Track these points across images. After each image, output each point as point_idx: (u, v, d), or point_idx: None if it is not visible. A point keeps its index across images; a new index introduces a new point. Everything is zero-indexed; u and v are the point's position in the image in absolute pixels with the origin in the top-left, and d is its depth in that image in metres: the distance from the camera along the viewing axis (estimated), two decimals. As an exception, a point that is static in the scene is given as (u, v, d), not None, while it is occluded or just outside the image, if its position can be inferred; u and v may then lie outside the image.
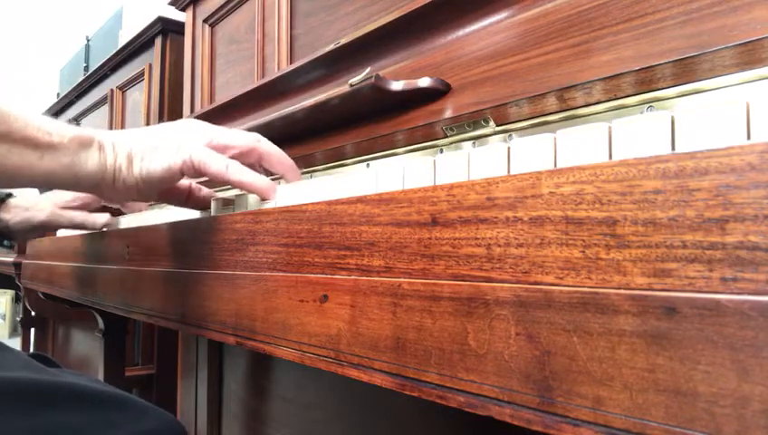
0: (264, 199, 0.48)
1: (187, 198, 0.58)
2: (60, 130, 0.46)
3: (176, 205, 0.59)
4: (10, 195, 0.77)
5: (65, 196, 0.78)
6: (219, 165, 0.47)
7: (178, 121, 0.51)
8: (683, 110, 0.22)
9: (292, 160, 0.53)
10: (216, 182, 0.59)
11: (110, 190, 0.49)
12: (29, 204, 0.77)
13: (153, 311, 0.55)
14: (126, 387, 1.34)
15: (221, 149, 0.48)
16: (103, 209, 0.81)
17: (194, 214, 0.61)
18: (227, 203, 0.55)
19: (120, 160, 0.48)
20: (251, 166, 0.50)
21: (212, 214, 0.55)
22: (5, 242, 0.78)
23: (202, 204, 0.59)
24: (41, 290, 1.14)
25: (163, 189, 0.52)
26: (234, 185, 0.48)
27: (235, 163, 0.48)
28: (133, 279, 0.61)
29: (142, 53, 1.66)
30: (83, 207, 0.79)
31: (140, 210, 0.79)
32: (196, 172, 0.48)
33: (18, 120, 0.43)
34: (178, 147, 0.48)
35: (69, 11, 4.24)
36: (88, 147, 0.47)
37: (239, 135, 0.50)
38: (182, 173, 0.48)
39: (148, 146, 0.48)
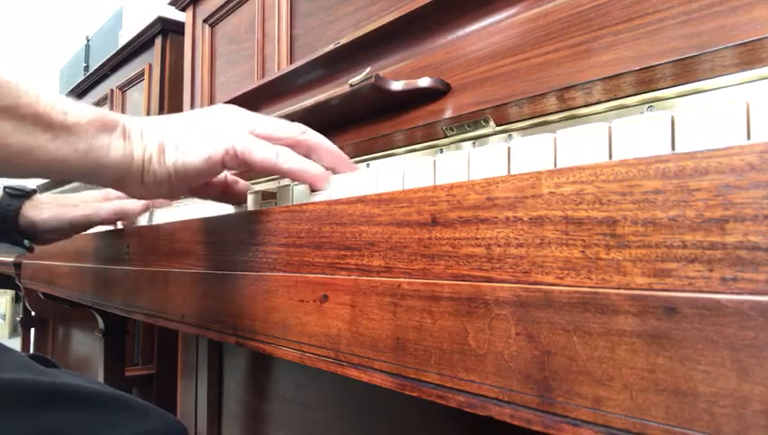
0: (314, 190, 0.43)
1: (222, 192, 0.52)
2: (78, 109, 0.40)
3: (209, 199, 0.53)
4: (35, 190, 0.69)
5: (100, 193, 0.71)
6: (268, 152, 0.42)
7: (214, 107, 0.46)
8: (683, 110, 0.22)
9: (341, 151, 0.47)
10: (258, 173, 0.56)
11: (136, 185, 0.43)
12: (63, 200, 0.69)
13: (153, 311, 0.55)
14: (126, 387, 1.34)
15: (264, 140, 0.43)
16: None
17: (201, 212, 0.61)
18: (268, 196, 0.51)
19: (151, 150, 0.42)
20: None
21: (248, 208, 0.51)
22: (26, 242, 0.68)
23: (238, 198, 0.54)
24: (41, 290, 1.14)
25: (198, 184, 0.46)
26: (285, 174, 0.43)
27: (285, 150, 0.42)
28: (133, 279, 0.61)
29: (142, 53, 1.66)
30: (121, 197, 0.70)
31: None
32: (239, 163, 0.42)
33: (28, 93, 0.37)
34: (219, 135, 0.42)
35: (69, 11, 4.24)
36: (110, 132, 0.41)
37: (284, 125, 0.45)
38: (223, 165, 0.43)
39: (183, 134, 0.43)
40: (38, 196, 0.69)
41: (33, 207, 0.67)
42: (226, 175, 0.53)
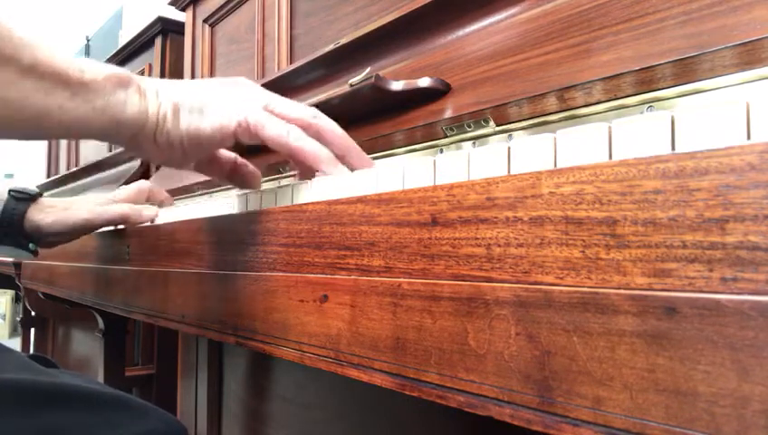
0: (322, 173, 0.43)
1: (230, 172, 0.52)
2: (93, 66, 0.40)
3: (215, 177, 0.53)
4: (40, 194, 0.69)
5: (105, 196, 0.71)
6: (279, 129, 0.42)
7: (232, 78, 0.46)
8: (683, 110, 0.22)
9: (353, 141, 0.46)
10: (268, 153, 0.54)
11: (149, 144, 0.43)
12: (67, 203, 0.69)
13: (153, 311, 0.55)
14: (126, 387, 1.34)
15: (277, 117, 0.43)
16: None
17: (201, 212, 0.61)
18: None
19: (165, 109, 0.42)
20: None
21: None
22: (31, 246, 0.68)
23: (246, 181, 0.53)
24: (41, 290, 1.14)
25: (208, 154, 0.46)
26: (293, 153, 0.43)
27: (297, 129, 0.43)
28: (133, 279, 0.61)
29: (142, 53, 1.66)
30: (127, 201, 0.71)
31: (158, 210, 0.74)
32: (251, 136, 0.42)
33: (45, 51, 0.37)
34: (234, 106, 0.42)
35: (69, 11, 4.25)
36: (126, 87, 0.41)
37: (297, 106, 0.45)
38: (235, 136, 0.43)
39: (198, 100, 0.43)
40: (43, 199, 0.69)
41: (38, 211, 0.67)
42: (236, 156, 0.53)
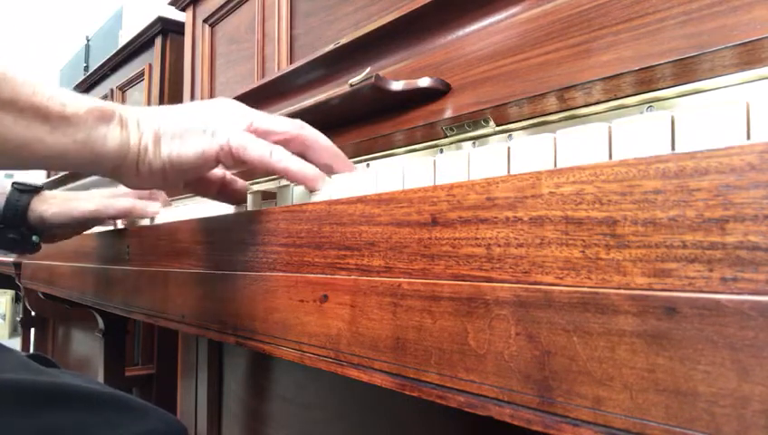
0: (311, 191, 0.43)
1: (219, 191, 0.52)
2: (75, 101, 0.40)
3: (206, 196, 0.53)
4: (42, 187, 0.70)
5: (109, 191, 0.71)
6: (262, 150, 0.41)
7: (213, 100, 0.46)
8: (683, 110, 0.22)
9: (338, 149, 0.46)
10: (255, 172, 0.55)
11: (131, 174, 0.43)
12: (71, 195, 0.70)
13: (153, 311, 0.55)
14: (126, 387, 1.34)
15: (262, 135, 0.43)
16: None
17: (201, 212, 0.61)
18: (268, 196, 0.50)
19: (146, 140, 0.42)
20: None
21: (248, 208, 0.51)
22: (34, 238, 0.68)
23: (235, 197, 0.54)
24: (41, 290, 1.14)
25: (193, 178, 0.46)
26: (278, 173, 0.43)
27: (280, 149, 0.42)
28: (133, 279, 0.61)
29: (142, 53, 1.66)
30: (129, 196, 0.71)
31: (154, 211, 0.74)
32: (234, 160, 0.42)
33: (25, 85, 0.38)
34: (215, 130, 0.42)
35: (69, 11, 4.24)
36: (108, 121, 0.41)
37: (282, 121, 0.45)
38: (217, 161, 0.43)
39: (179, 127, 0.43)
40: (46, 192, 0.70)
41: (41, 202, 0.68)
42: (225, 173, 0.53)
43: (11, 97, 0.37)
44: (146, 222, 0.73)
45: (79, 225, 0.69)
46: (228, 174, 0.54)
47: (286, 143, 0.43)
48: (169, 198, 0.76)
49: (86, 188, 1.79)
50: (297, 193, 0.46)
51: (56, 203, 0.68)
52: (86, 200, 0.68)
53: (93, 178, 1.82)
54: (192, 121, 0.43)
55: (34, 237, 0.69)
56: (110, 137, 0.41)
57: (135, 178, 0.44)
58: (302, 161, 0.43)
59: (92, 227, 0.72)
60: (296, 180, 0.43)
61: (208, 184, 0.52)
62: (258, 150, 0.42)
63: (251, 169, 0.46)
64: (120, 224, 0.76)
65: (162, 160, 0.43)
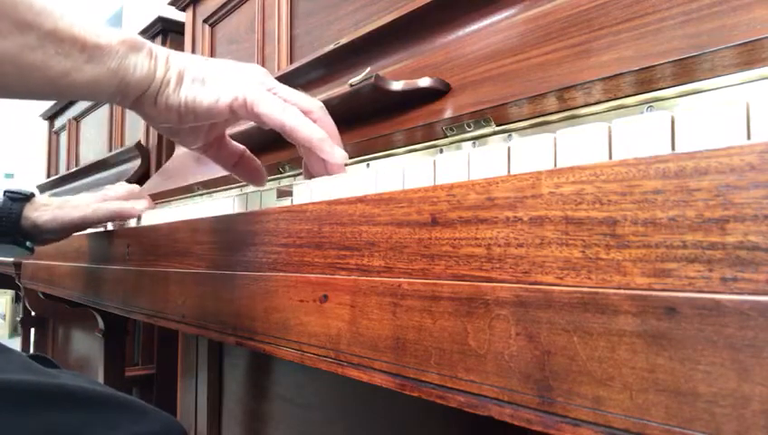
0: (318, 155, 0.43)
1: (236, 163, 0.54)
2: (109, 32, 0.43)
3: (224, 167, 0.54)
4: (33, 194, 0.73)
5: (97, 195, 0.74)
6: (275, 106, 0.43)
7: (244, 63, 0.48)
8: (683, 110, 0.22)
9: (343, 151, 0.47)
10: (269, 138, 0.55)
11: (150, 106, 0.45)
12: (61, 202, 0.72)
13: (153, 311, 0.55)
14: (126, 387, 1.34)
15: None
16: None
17: (201, 212, 0.61)
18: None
19: (171, 75, 0.45)
20: None
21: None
22: (28, 244, 0.71)
23: (251, 175, 0.55)
24: (41, 290, 1.14)
25: (207, 121, 0.47)
26: (289, 133, 0.43)
27: (294, 108, 0.44)
28: (133, 279, 0.61)
29: (142, 53, 1.65)
30: (118, 199, 0.74)
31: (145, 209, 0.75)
32: (247, 112, 0.44)
33: (64, 17, 0.40)
34: (235, 81, 0.44)
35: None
36: (138, 50, 0.44)
37: (301, 95, 0.46)
38: (231, 110, 0.44)
39: (202, 71, 0.45)
40: (37, 198, 0.72)
41: (33, 210, 0.71)
42: (245, 149, 0.54)
43: (53, 28, 0.39)
44: (133, 221, 0.73)
45: (70, 230, 0.72)
46: (248, 151, 0.55)
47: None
48: (183, 175, 0.77)
49: (86, 188, 1.79)
50: (297, 193, 0.46)
51: (49, 210, 0.71)
52: (76, 207, 0.71)
53: (93, 177, 1.82)
54: (217, 70, 0.45)
55: (28, 243, 0.71)
56: (139, 66, 0.44)
57: (152, 109, 0.46)
58: (314, 125, 0.44)
59: (83, 230, 0.74)
60: (306, 142, 0.44)
61: (229, 151, 0.53)
62: (271, 106, 0.43)
63: (261, 125, 0.46)
64: (110, 226, 0.78)
65: (179, 98, 0.45)
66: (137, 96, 0.45)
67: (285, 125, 0.43)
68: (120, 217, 0.71)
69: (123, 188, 0.76)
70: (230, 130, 0.58)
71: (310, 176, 0.49)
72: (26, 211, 0.69)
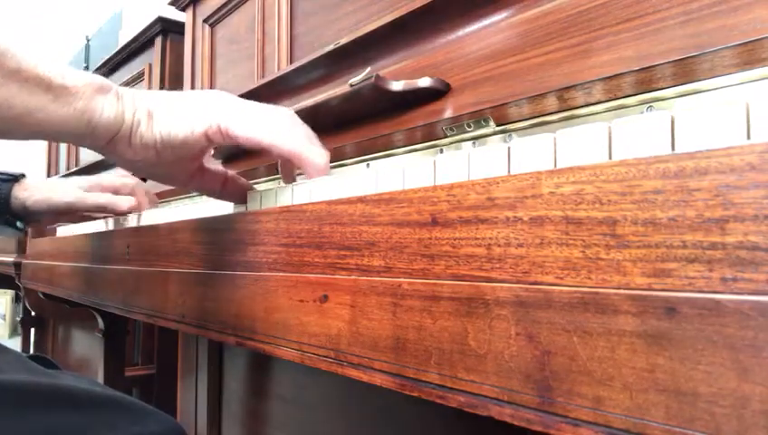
0: (298, 167, 0.43)
1: (222, 187, 0.54)
2: (74, 74, 0.43)
3: (209, 194, 0.54)
4: (23, 175, 0.74)
5: (90, 180, 0.76)
6: (248, 127, 0.44)
7: (207, 90, 0.48)
8: (683, 110, 0.22)
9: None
10: (248, 157, 0.56)
11: (125, 147, 0.45)
12: (51, 185, 0.74)
13: (153, 311, 0.55)
14: (126, 387, 1.34)
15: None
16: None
17: (201, 212, 0.61)
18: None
19: (140, 115, 0.45)
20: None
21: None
22: (18, 224, 0.73)
23: (238, 195, 0.55)
24: (41, 290, 1.14)
25: (182, 156, 0.48)
26: (265, 150, 0.44)
27: (268, 124, 0.45)
28: (133, 279, 0.61)
29: (142, 53, 1.66)
30: (108, 189, 0.75)
31: (143, 208, 0.77)
32: (223, 137, 0.45)
33: (29, 58, 0.40)
34: (205, 110, 0.45)
35: (69, 11, 4.24)
36: (105, 93, 0.44)
37: (264, 125, 0.46)
38: (207, 138, 0.45)
39: (171, 105, 0.46)
40: (26, 180, 0.74)
41: (22, 190, 0.73)
42: (227, 171, 0.54)
43: (16, 67, 0.40)
44: (133, 221, 0.74)
45: (59, 213, 0.74)
46: (231, 172, 0.55)
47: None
48: (175, 189, 0.80)
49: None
50: (297, 193, 0.46)
51: (38, 191, 0.72)
52: (65, 192, 0.72)
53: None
54: (185, 101, 0.46)
55: (19, 223, 0.73)
56: (107, 108, 0.44)
57: (128, 150, 0.45)
58: (295, 136, 0.45)
59: (72, 215, 0.77)
60: (286, 155, 0.44)
61: (212, 180, 0.53)
62: (244, 127, 0.44)
63: (240, 148, 0.47)
64: (110, 225, 0.79)
65: (154, 135, 0.45)
66: (108, 139, 0.45)
67: (262, 143, 0.44)
68: (104, 211, 0.73)
69: (119, 180, 0.77)
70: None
71: (291, 180, 0.49)
72: (15, 191, 0.71)
